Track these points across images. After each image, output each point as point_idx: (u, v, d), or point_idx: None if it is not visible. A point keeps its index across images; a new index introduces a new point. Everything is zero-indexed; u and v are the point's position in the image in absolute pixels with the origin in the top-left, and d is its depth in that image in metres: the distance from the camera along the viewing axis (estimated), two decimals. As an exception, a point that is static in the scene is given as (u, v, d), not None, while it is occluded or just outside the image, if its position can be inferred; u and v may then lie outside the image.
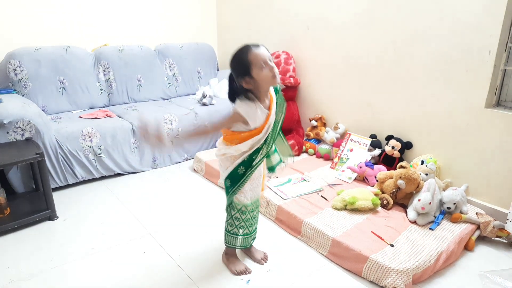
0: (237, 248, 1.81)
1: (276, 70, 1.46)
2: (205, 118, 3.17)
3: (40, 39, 3.07)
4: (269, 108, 1.54)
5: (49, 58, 2.94)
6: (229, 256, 1.83)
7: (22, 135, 2.31)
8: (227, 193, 1.67)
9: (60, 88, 3.01)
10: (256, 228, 1.83)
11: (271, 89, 1.58)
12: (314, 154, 3.09)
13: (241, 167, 1.58)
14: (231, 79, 1.52)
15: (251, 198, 1.68)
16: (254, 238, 1.86)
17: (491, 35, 2.05)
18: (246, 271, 1.78)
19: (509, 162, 2.09)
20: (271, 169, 1.76)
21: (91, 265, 1.85)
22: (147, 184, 2.75)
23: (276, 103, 1.57)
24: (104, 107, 3.25)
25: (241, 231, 1.74)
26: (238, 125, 1.53)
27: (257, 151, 1.57)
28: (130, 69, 3.34)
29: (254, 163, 1.58)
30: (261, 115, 1.51)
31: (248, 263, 1.86)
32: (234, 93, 1.53)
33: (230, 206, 1.70)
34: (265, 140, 1.57)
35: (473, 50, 2.14)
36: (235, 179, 1.61)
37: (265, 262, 1.87)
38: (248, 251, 1.91)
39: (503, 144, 2.11)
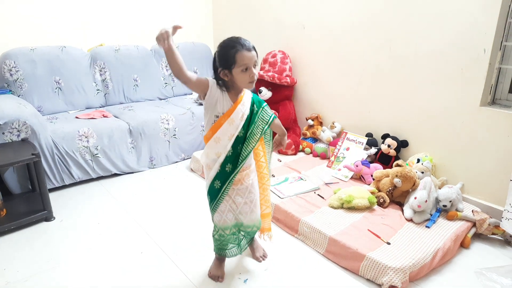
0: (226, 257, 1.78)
1: (255, 77, 1.47)
2: (202, 118, 3.17)
3: (35, 39, 3.06)
4: (234, 105, 1.51)
5: (44, 58, 2.93)
6: (216, 258, 1.80)
7: (18, 135, 2.30)
8: (210, 208, 1.64)
9: (56, 88, 3.00)
10: (245, 242, 1.80)
11: (252, 98, 1.57)
12: (311, 153, 3.10)
13: (217, 181, 1.55)
14: (215, 60, 1.51)
15: (231, 220, 1.64)
16: (248, 242, 1.84)
17: (486, 33, 2.06)
18: (217, 279, 1.73)
19: (503, 159, 2.11)
20: None
21: (88, 266, 1.85)
22: (144, 184, 2.75)
23: (255, 114, 1.55)
24: (100, 107, 3.24)
25: (227, 246, 1.73)
26: (207, 108, 1.52)
27: (227, 160, 1.53)
28: (126, 69, 3.33)
29: (229, 176, 1.54)
30: (224, 101, 1.50)
31: (246, 260, 1.87)
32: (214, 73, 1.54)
33: (213, 223, 1.68)
34: (235, 147, 1.53)
35: (468, 48, 2.15)
36: (213, 195, 1.58)
37: (263, 260, 1.88)
38: (250, 246, 1.90)
39: (498, 142, 2.12)
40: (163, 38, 1.34)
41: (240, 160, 1.54)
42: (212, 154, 1.55)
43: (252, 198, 1.66)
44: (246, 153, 1.53)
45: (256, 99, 1.58)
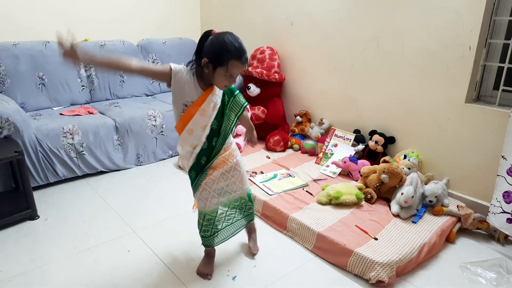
0: (214, 246, 1.76)
1: (232, 84, 1.46)
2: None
3: (18, 34, 2.98)
4: (205, 94, 1.48)
5: (27, 53, 2.85)
6: (205, 255, 1.80)
7: (1, 133, 2.24)
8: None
9: (40, 84, 2.93)
10: (230, 223, 1.78)
11: (226, 91, 1.56)
12: (299, 149, 3.10)
13: (192, 171, 1.59)
14: (202, 45, 1.44)
15: (215, 204, 1.65)
16: (246, 219, 1.84)
17: (471, 31, 2.09)
18: (206, 276, 1.73)
19: (488, 156, 2.14)
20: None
21: (74, 265, 1.82)
22: (131, 181, 2.71)
23: (227, 106, 1.55)
24: (85, 103, 3.18)
25: (217, 228, 1.72)
26: (175, 96, 1.48)
27: (203, 152, 1.54)
28: (112, 64, 3.28)
29: (203, 168, 1.57)
30: (194, 88, 1.45)
31: (235, 258, 1.86)
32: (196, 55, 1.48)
33: (199, 212, 1.69)
34: (210, 140, 1.53)
35: (454, 46, 2.18)
36: (191, 183, 1.63)
37: (255, 254, 1.88)
38: (250, 236, 1.92)
39: (483, 138, 2.16)
40: (76, 54, 1.30)
41: (214, 153, 1.56)
42: (186, 146, 1.56)
43: (238, 176, 1.68)
44: (219, 147, 1.56)
45: (228, 89, 1.55)
